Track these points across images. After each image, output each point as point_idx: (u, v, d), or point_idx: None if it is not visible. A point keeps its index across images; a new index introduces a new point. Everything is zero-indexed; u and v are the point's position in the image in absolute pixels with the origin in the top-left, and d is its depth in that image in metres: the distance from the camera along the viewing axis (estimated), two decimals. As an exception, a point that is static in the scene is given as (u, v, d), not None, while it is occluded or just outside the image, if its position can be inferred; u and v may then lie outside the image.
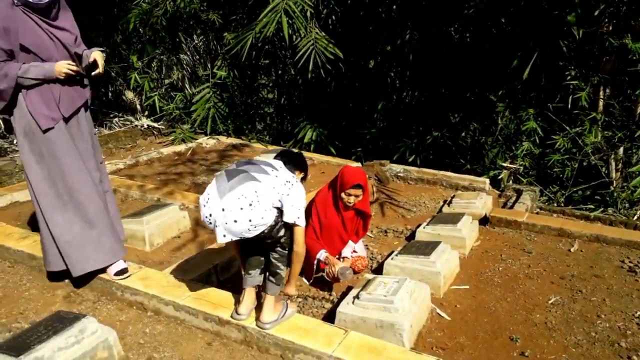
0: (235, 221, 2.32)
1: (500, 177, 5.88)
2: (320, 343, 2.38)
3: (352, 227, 3.61)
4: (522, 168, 5.76)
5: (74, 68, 2.82)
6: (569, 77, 5.25)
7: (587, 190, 5.44)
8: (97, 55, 2.92)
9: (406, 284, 2.98)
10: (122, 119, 7.54)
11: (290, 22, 6.06)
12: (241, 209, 2.32)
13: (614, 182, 5.30)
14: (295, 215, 2.42)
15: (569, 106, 5.23)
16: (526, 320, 3.10)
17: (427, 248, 3.56)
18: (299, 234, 2.46)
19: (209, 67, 7.79)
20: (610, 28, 5.09)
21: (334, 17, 6.56)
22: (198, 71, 8.07)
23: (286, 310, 2.60)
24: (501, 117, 5.78)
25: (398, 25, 6.41)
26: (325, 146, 7.52)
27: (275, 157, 2.72)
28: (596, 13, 4.92)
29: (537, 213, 5.04)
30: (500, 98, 5.86)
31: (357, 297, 2.90)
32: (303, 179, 2.81)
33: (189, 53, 7.90)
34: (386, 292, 2.87)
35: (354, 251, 3.64)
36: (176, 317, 2.72)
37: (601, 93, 5.39)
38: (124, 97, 8.19)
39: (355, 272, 3.58)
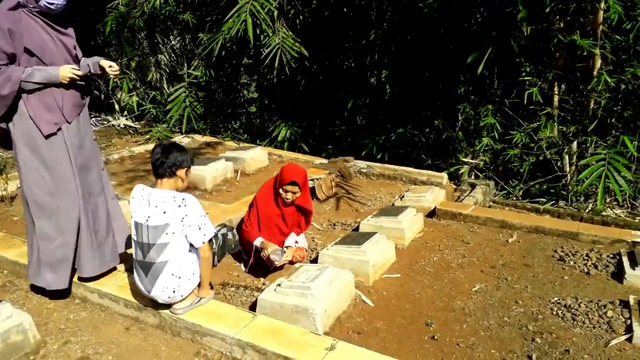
0: (169, 297, 2.62)
1: (461, 172, 6.00)
2: (226, 326, 2.54)
3: (292, 221, 3.76)
4: (482, 163, 5.88)
5: (79, 73, 2.79)
6: (524, 74, 5.37)
7: (544, 184, 5.55)
8: (104, 63, 2.91)
9: (327, 271, 3.13)
10: (99, 118, 7.74)
11: (258, 22, 6.23)
12: (169, 297, 2.62)
13: (568, 175, 5.40)
14: (201, 236, 2.59)
15: (525, 102, 5.34)
16: (446, 306, 3.23)
17: (362, 239, 3.70)
18: (205, 246, 2.63)
19: (186, 67, 7.98)
20: (561, 25, 5.20)
21: (301, 17, 6.71)
22: (176, 71, 8.26)
23: (199, 300, 2.75)
24: (461, 113, 5.90)
25: (363, 25, 6.55)
26: (298, 144, 7.69)
27: (156, 165, 2.64)
28: (547, 10, 5.03)
29: (489, 206, 5.17)
30: (462, 95, 5.98)
31: (279, 284, 3.05)
32: (187, 171, 2.72)
33: (166, 54, 8.09)
34: (305, 279, 3.02)
35: (296, 242, 3.79)
36: (100, 304, 2.89)
37: (556, 89, 5.50)
38: (111, 97, 8.37)
39: (292, 263, 3.73)
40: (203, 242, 2.61)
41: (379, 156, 6.98)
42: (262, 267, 3.62)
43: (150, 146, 6.90)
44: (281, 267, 3.66)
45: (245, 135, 8.37)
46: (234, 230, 2.96)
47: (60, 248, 2.86)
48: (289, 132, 7.75)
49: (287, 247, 3.74)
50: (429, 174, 5.75)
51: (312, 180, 5.34)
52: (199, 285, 2.72)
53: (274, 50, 6.28)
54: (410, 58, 6.88)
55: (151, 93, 7.95)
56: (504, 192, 5.73)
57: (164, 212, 2.55)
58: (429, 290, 3.43)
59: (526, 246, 4.06)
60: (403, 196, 5.00)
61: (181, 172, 2.68)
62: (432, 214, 4.72)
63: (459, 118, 5.93)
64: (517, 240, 4.17)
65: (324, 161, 6.17)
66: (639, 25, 4.65)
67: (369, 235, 3.79)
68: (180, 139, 7.28)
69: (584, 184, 4.89)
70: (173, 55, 8.12)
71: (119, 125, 7.60)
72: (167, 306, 2.69)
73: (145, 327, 2.75)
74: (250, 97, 10.47)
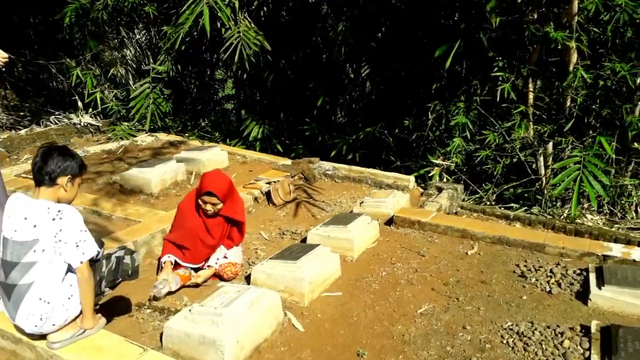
0: (36, 327, 2.28)
1: (431, 174, 5.63)
2: (106, 364, 2.19)
3: (219, 233, 3.40)
4: (453, 165, 5.50)
5: None
6: (495, 69, 4.98)
7: (518, 188, 5.18)
8: None
9: (248, 293, 2.77)
10: (59, 116, 7.37)
11: (217, 14, 5.84)
12: (35, 326, 2.28)
13: (543, 178, 5.03)
14: (79, 255, 2.25)
15: (497, 99, 4.96)
16: (385, 332, 2.87)
17: (301, 252, 3.34)
18: (83, 266, 2.29)
19: (152, 62, 7.60)
20: (535, 16, 4.80)
21: (265, 8, 6.32)
22: (142, 66, 7.88)
23: (84, 331, 2.39)
24: (432, 112, 5.52)
25: (330, 17, 6.17)
26: (272, 143, 7.32)
27: (34, 171, 2.31)
28: (519, 0, 4.64)
29: (456, 213, 4.80)
30: (433, 93, 5.60)
31: (190, 309, 2.70)
32: (72, 180, 2.35)
33: (131, 48, 7.71)
34: (219, 304, 2.66)
35: (225, 257, 3.43)
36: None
37: (530, 85, 5.11)
38: (73, 94, 7.99)
39: (224, 280, 3.38)
40: (81, 262, 2.25)
41: (349, 156, 6.61)
42: (190, 285, 3.27)
43: (106, 146, 6.54)
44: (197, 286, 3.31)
45: (217, 134, 8.00)
46: (135, 255, 2.59)
47: None
48: (261, 131, 7.38)
49: (208, 266, 3.38)
50: (395, 176, 5.38)
51: (268, 183, 4.99)
52: (81, 312, 2.37)
53: (234, 44, 5.89)
54: (384, 53, 6.51)
55: (114, 90, 7.57)
56: (476, 196, 5.36)
57: (34, 226, 2.20)
58: (370, 311, 3.07)
59: (486, 259, 3.69)
60: (363, 202, 4.63)
61: (62, 180, 2.31)
62: (391, 221, 4.35)
63: (429, 117, 5.54)
64: (477, 252, 3.80)
65: (288, 162, 5.80)
66: (617, 16, 4.26)
67: (310, 247, 3.42)
68: (143, 138, 6.91)
69: (559, 187, 4.52)
70: (139, 49, 7.74)
71: (78, 124, 7.23)
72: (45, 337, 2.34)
73: (21, 362, 2.40)
74: (228, 94, 10.12)
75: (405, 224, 4.25)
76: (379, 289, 3.32)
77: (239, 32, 5.91)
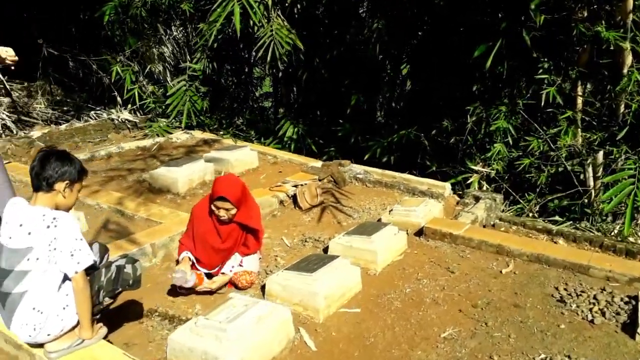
0: (30, 336, 2.21)
1: (469, 181, 5.32)
2: (98, 381, 2.09)
3: (232, 241, 3.26)
4: (493, 172, 5.17)
5: None
6: (540, 71, 4.61)
7: (564, 200, 4.79)
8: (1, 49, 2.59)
9: (257, 307, 2.62)
10: (99, 111, 7.49)
11: (250, 11, 5.73)
12: (29, 336, 2.21)
13: (592, 191, 4.63)
14: (73, 264, 2.16)
15: (542, 103, 4.60)
16: (404, 356, 2.65)
17: (317, 264, 3.16)
18: (78, 276, 2.19)
19: (188, 59, 7.61)
20: (584, 14, 4.40)
21: (298, 5, 6.16)
22: (179, 64, 7.90)
23: (82, 341, 2.30)
24: (471, 115, 5.20)
25: (365, 15, 5.94)
26: (306, 143, 7.18)
27: (31, 176, 2.24)
28: (569, -3, 4.28)
29: (493, 225, 4.49)
30: (473, 95, 5.28)
31: (196, 322, 2.57)
32: (70, 185, 2.27)
33: (169, 45, 7.74)
34: (226, 317, 2.52)
35: (240, 264, 3.29)
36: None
37: (579, 89, 4.71)
38: (113, 90, 8.13)
39: (239, 288, 3.25)
40: (76, 272, 2.15)
41: (384, 159, 6.36)
42: (203, 291, 3.16)
43: (144, 142, 6.57)
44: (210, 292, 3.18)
45: (252, 132, 7.93)
46: (137, 264, 2.48)
47: None
48: (295, 131, 7.25)
49: (222, 273, 3.25)
50: (430, 183, 5.11)
51: (295, 186, 4.83)
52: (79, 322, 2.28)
53: (267, 42, 5.77)
54: (423, 52, 6.22)
55: (151, 86, 7.60)
56: (517, 206, 5.01)
57: (29, 233, 2.12)
58: (389, 332, 2.86)
59: (522, 279, 3.39)
60: (392, 209, 4.40)
61: (60, 186, 2.22)
62: (421, 232, 4.10)
63: (469, 120, 5.23)
64: (512, 271, 3.51)
65: (318, 164, 5.63)
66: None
67: (329, 259, 3.24)
68: (178, 135, 6.92)
69: (610, 202, 4.13)
70: (176, 46, 7.76)
71: (116, 120, 7.32)
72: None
73: (22, 370, 2.34)
74: (266, 92, 10.05)
75: (436, 236, 3.99)
76: (400, 308, 3.10)
77: (271, 30, 5.78)
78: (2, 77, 7.04)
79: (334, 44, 6.59)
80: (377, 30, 5.90)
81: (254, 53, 7.85)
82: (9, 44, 7.25)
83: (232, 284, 3.29)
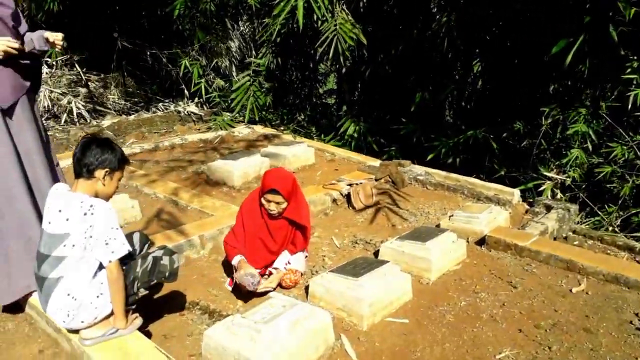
0: (64, 322, 2.21)
1: (542, 188, 4.90)
2: (124, 373, 2.03)
3: (282, 237, 3.15)
4: (569, 180, 4.73)
5: (15, 46, 2.40)
6: (628, 70, 4.14)
7: (651, 214, 4.29)
8: (50, 35, 2.54)
9: (295, 309, 2.48)
10: (167, 104, 7.70)
11: (315, 5, 5.62)
12: (63, 321, 2.20)
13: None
14: (107, 253, 2.13)
15: (629, 106, 4.13)
16: (452, 376, 2.42)
17: (365, 268, 2.97)
18: (112, 265, 2.16)
19: (254, 54, 7.63)
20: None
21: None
22: (245, 58, 7.97)
23: (116, 330, 2.26)
24: (546, 117, 4.78)
25: (434, 9, 5.64)
26: (367, 142, 6.98)
27: (73, 162, 2.22)
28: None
29: (565, 238, 4.08)
30: (550, 95, 4.85)
31: (233, 320, 2.47)
32: (110, 173, 2.24)
33: (235, 40, 7.81)
34: (262, 318, 2.40)
35: (288, 262, 3.18)
36: (30, 315, 2.54)
37: (676, 91, 4.18)
38: (181, 83, 8.35)
39: (283, 287, 3.13)
40: (110, 261, 2.11)
41: (448, 161, 6.03)
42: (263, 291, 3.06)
43: (207, 135, 6.66)
44: (265, 293, 3.07)
45: (313, 129, 7.84)
46: (175, 257, 2.41)
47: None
48: (356, 128, 7.07)
49: (275, 268, 3.14)
50: (497, 188, 4.75)
51: (350, 185, 4.66)
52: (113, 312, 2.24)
53: (330, 37, 5.64)
54: (497, 48, 5.83)
55: (217, 80, 7.71)
56: (595, 219, 4.55)
57: (67, 220, 2.10)
58: (438, 348, 2.62)
59: (595, 301, 3.02)
60: (453, 214, 4.11)
61: (100, 173, 2.19)
62: (483, 241, 3.80)
63: (543, 122, 4.81)
64: (584, 290, 3.14)
65: (376, 163, 5.41)
66: None
67: (377, 264, 3.04)
68: (240, 129, 6.96)
69: None
70: (242, 41, 7.82)
71: (182, 112, 7.49)
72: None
73: (59, 353, 2.34)
74: (330, 89, 9.94)
75: (499, 246, 3.67)
76: (453, 322, 2.84)
77: (335, 25, 5.63)
78: (80, 69, 7.41)
79: (399, 39, 6.34)
80: (446, 24, 5.59)
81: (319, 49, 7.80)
82: (89, 36, 7.57)
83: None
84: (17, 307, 2.62)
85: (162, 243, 3.33)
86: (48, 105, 6.82)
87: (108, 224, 2.12)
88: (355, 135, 6.94)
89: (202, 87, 7.56)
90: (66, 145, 5.88)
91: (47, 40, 2.54)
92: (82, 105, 7.02)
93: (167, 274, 2.34)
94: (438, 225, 4.10)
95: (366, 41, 5.76)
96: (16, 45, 2.41)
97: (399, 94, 6.74)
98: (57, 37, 2.53)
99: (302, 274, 3.23)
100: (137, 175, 4.77)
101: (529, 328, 2.78)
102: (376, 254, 3.58)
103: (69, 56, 7.41)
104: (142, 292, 2.30)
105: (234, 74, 7.98)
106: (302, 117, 7.70)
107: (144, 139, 6.57)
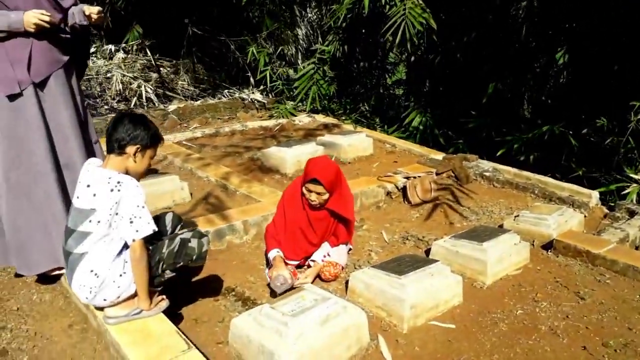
0: (87, 298, 2.19)
1: (626, 192, 4.38)
2: (140, 356, 1.95)
3: (324, 229, 2.98)
4: (659, 183, 4.18)
5: (46, 19, 2.33)
6: None
7: None
8: (88, 8, 2.50)
9: (327, 304, 2.30)
10: (232, 90, 7.75)
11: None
12: (86, 298, 2.17)
13: None
14: (132, 232, 2.07)
15: None
16: (498, 393, 2.14)
17: (410, 266, 2.74)
18: (136, 245, 2.09)
19: (320, 41, 7.49)
20: None
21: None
22: (312, 46, 7.85)
23: (140, 311, 2.19)
24: (635, 112, 4.24)
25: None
26: (434, 134, 6.64)
27: (106, 138, 2.15)
28: None
29: (649, 247, 3.59)
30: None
31: (261, 310, 2.34)
32: (142, 150, 2.15)
33: (303, 27, 7.69)
34: (291, 310, 2.25)
35: (327, 254, 3.00)
36: (65, 289, 2.55)
37: None
38: (247, 70, 8.39)
39: (322, 280, 2.97)
40: (133, 240, 2.05)
41: (521, 158, 5.57)
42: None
43: (267, 122, 6.63)
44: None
45: (377, 120, 7.58)
46: (204, 240, 2.30)
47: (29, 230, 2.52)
48: (422, 120, 6.74)
49: (312, 261, 2.98)
50: (572, 189, 4.29)
51: (407, 178, 4.40)
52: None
53: (397, 22, 5.36)
54: (585, 36, 5.28)
55: (281, 68, 7.64)
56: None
57: (94, 195, 2.05)
58: (485, 359, 2.34)
59: (681, 323, 2.59)
60: (519, 215, 3.75)
61: (131, 149, 2.13)
62: (550, 245, 3.42)
63: (632, 118, 4.27)
64: (668, 309, 2.71)
65: (439, 157, 5.09)
66: None
67: (424, 262, 2.80)
68: (301, 118, 6.86)
69: None
70: (309, 29, 7.69)
71: (246, 99, 7.50)
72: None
73: (87, 329, 2.33)
74: (399, 79, 9.61)
75: (568, 252, 3.28)
76: (506, 332, 2.54)
77: (404, 9, 5.34)
78: (151, 55, 7.63)
79: (473, 25, 5.92)
80: (525, 9, 5.13)
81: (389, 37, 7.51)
82: (160, 23, 7.73)
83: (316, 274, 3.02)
84: (53, 278, 2.65)
85: (205, 226, 3.29)
86: (120, 89, 7.08)
87: (134, 202, 2.05)
88: (421, 127, 6.62)
89: (268, 75, 7.54)
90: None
91: (84, 13, 2.51)
92: (151, 90, 7.22)
93: (194, 257, 2.25)
94: (501, 226, 3.75)
95: (436, 27, 5.41)
96: (47, 18, 2.35)
97: (471, 85, 6.32)
98: (92, 11, 2.50)
99: (343, 268, 3.05)
100: (192, 158, 4.79)
101: (595, 346, 2.42)
102: (427, 252, 3.32)
103: (140, 41, 7.65)
104: (169, 274, 2.23)
105: (300, 61, 7.88)
106: (366, 107, 7.46)
107: (207, 124, 6.64)
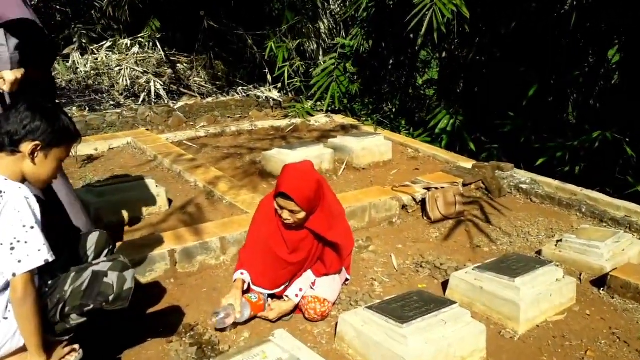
0: None
1: (698, 213, 3.56)
2: None
3: (303, 253, 2.35)
4: None
5: None
6: None
7: None
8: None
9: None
10: (247, 88, 7.23)
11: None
12: None
13: None
14: (13, 262, 1.49)
15: None
16: None
17: (417, 310, 2.09)
18: (17, 281, 1.51)
19: (344, 35, 6.87)
20: None
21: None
22: (334, 40, 7.24)
23: None
24: None
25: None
26: (464, 138, 5.92)
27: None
28: None
29: None
30: None
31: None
32: (43, 149, 1.62)
33: (325, 20, 7.09)
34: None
35: (312, 287, 2.38)
36: None
37: None
38: (264, 67, 7.86)
39: (307, 319, 2.35)
40: (13, 274, 1.48)
41: (565, 169, 4.80)
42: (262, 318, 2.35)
43: (280, 122, 6.06)
44: (281, 317, 2.33)
45: (402, 122, 6.90)
46: (128, 273, 1.71)
47: None
48: (451, 123, 6.03)
49: (285, 296, 2.36)
50: (629, 208, 3.54)
51: (428, 189, 3.72)
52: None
53: (423, 11, 4.69)
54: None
55: (298, 63, 7.04)
56: None
57: None
58: None
59: None
60: (561, 239, 3.03)
61: (27, 147, 1.58)
62: (602, 281, 2.69)
63: None
64: None
65: (468, 165, 4.39)
66: None
67: (437, 305, 2.14)
68: (318, 118, 6.27)
69: None
70: (332, 22, 7.08)
71: (262, 97, 6.95)
72: None
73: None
74: (431, 78, 8.89)
75: (627, 292, 2.55)
76: (543, 409, 1.86)
77: (434, -5, 4.67)
78: (161, 49, 7.20)
79: (511, 15, 5.17)
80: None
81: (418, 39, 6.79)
82: (178, 16, 7.28)
83: (300, 310, 2.40)
84: None
85: (172, 243, 2.72)
86: (127, 84, 6.66)
87: (20, 219, 1.48)
88: (449, 129, 5.90)
89: (286, 71, 6.97)
90: (132, 124, 5.60)
91: None
92: (162, 85, 6.78)
93: (110, 298, 1.66)
94: (539, 253, 3.05)
95: (470, 16, 4.72)
96: None
97: (508, 84, 5.57)
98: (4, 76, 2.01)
99: (333, 304, 2.42)
100: (184, 159, 4.26)
101: None
102: (445, 284, 2.65)
103: (151, 33, 7.23)
104: (76, 319, 1.64)
105: (321, 57, 7.29)
106: (390, 107, 6.78)
107: (215, 123, 6.13)
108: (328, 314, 2.37)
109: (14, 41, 2.08)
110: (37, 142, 1.58)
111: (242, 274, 2.38)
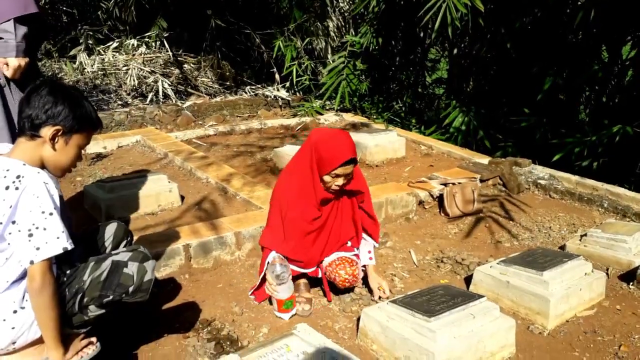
0: None
1: None
2: None
3: (346, 220, 2.36)
4: None
5: None
6: None
7: None
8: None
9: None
10: (255, 87, 7.16)
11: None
12: None
13: None
14: (30, 249, 1.42)
15: None
16: None
17: (443, 303, 2.00)
18: (34, 269, 1.43)
19: (353, 33, 6.80)
20: None
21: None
22: (343, 39, 7.17)
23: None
24: None
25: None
26: (478, 136, 5.82)
27: (19, 109, 1.55)
28: None
29: None
30: None
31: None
32: (64, 135, 1.54)
33: (334, 18, 7.02)
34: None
35: (369, 252, 2.40)
36: None
37: None
38: (272, 66, 7.80)
39: (339, 285, 2.32)
40: (31, 262, 1.41)
41: (584, 163, 4.70)
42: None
43: (289, 121, 6.00)
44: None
45: (413, 120, 6.82)
46: (149, 264, 1.63)
47: None
48: (465, 120, 5.93)
49: (363, 266, 2.40)
50: (653, 203, 3.44)
51: (445, 185, 3.63)
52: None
53: (437, 4, 4.62)
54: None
55: (306, 61, 6.97)
56: None
57: None
58: None
59: None
60: (586, 234, 2.94)
61: (47, 132, 1.51)
62: (632, 276, 2.60)
63: None
64: None
65: (484, 161, 4.30)
66: None
67: (464, 299, 2.05)
68: (328, 117, 6.20)
69: None
70: (341, 20, 7.01)
71: (268, 96, 6.88)
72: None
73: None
74: (440, 77, 8.81)
75: (658, 287, 2.46)
76: (580, 406, 1.77)
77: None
78: (169, 48, 7.15)
79: (525, 9, 5.09)
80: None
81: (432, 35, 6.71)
82: (186, 16, 7.25)
83: (329, 280, 2.36)
84: None
85: (188, 238, 2.65)
86: (135, 84, 6.61)
87: (37, 205, 1.41)
88: (463, 127, 5.81)
89: (294, 71, 6.91)
90: (140, 122, 5.54)
91: None
92: (169, 85, 6.72)
93: (130, 289, 1.58)
94: (563, 248, 2.96)
95: (483, 9, 4.64)
96: None
97: (522, 79, 5.48)
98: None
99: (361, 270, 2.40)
100: (195, 157, 4.18)
101: None
102: (468, 279, 2.57)
103: (158, 32, 7.18)
104: (94, 310, 1.57)
105: (329, 56, 7.21)
106: (400, 105, 6.70)
107: (224, 121, 6.06)
108: (358, 276, 2.33)
109: (22, 30, 2.13)
110: (58, 127, 1.51)
111: (277, 254, 2.28)
